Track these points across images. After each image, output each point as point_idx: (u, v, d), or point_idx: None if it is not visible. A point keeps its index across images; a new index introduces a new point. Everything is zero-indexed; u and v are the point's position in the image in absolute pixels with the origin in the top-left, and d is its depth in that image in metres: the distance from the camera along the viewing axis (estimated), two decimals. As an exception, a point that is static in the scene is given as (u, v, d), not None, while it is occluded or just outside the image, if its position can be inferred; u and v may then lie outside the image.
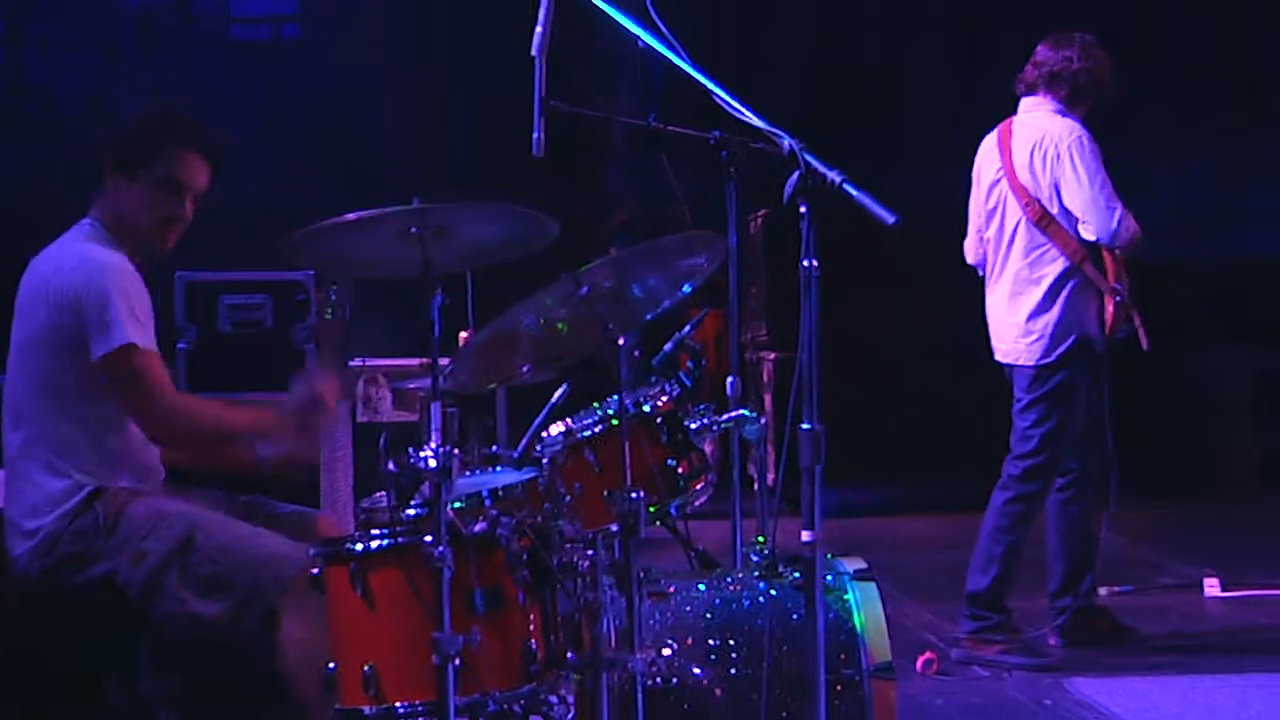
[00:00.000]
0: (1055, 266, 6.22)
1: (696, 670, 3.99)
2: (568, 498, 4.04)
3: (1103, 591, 7.00)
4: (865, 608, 4.07)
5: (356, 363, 6.48)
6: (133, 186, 4.43)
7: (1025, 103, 6.42)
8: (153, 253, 4.52)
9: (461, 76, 11.75)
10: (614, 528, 3.81)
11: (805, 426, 3.46)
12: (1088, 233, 6.16)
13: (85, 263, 4.32)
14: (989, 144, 6.46)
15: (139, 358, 4.25)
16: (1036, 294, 6.24)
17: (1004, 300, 6.36)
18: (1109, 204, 6.14)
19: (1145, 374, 10.19)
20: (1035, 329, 6.24)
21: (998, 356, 6.41)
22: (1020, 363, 6.29)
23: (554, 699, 3.83)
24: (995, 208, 6.37)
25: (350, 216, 3.56)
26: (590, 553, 3.84)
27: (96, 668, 4.43)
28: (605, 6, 4.03)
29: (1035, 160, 6.24)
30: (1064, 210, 6.20)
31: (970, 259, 6.55)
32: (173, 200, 4.44)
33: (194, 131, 4.50)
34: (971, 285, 6.56)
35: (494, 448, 4.48)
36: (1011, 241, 6.31)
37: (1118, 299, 6.18)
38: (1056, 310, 6.21)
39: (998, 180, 6.36)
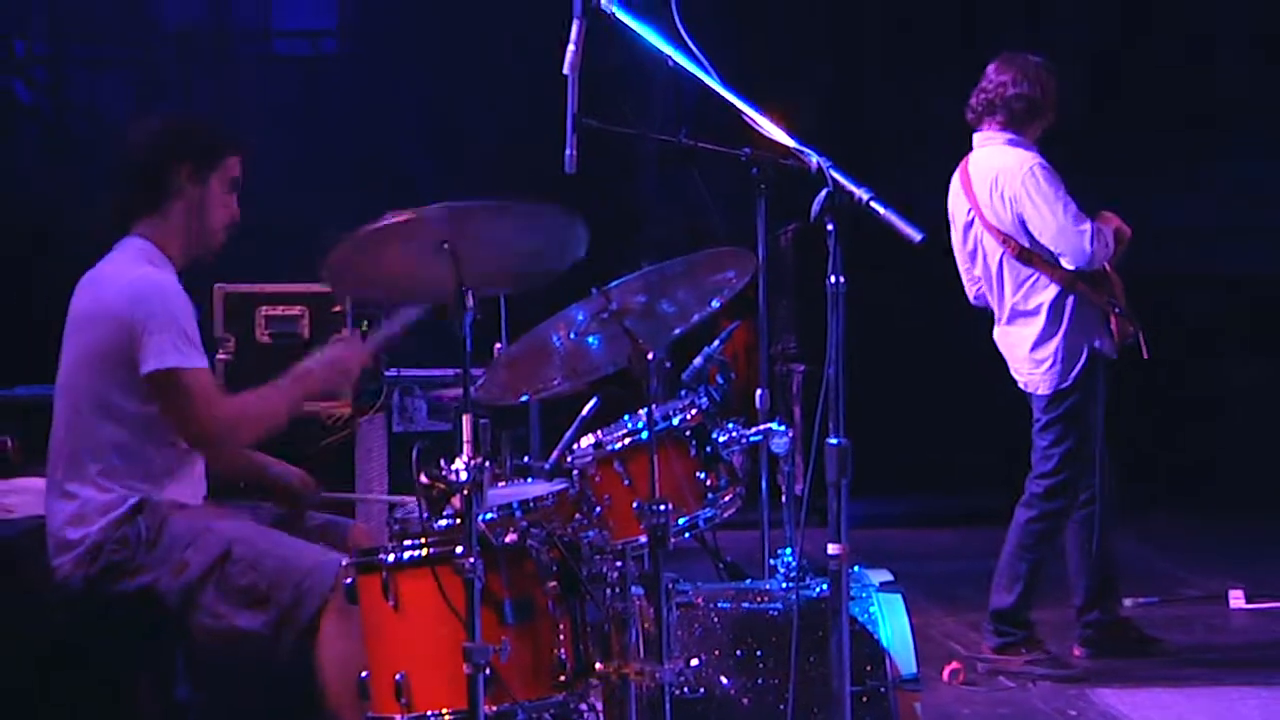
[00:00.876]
0: (1048, 293, 6.15)
1: (724, 680, 4.04)
2: (598, 509, 4.09)
3: (1128, 603, 6.96)
4: (891, 620, 4.12)
5: (391, 373, 6.54)
6: (206, 191, 4.52)
7: (977, 137, 6.32)
8: (209, 254, 4.62)
9: (496, 91, 11.79)
10: (643, 539, 3.86)
11: (832, 441, 3.48)
12: (1066, 263, 6.08)
13: (138, 283, 4.39)
14: (955, 184, 6.37)
15: (184, 377, 4.33)
16: (1037, 323, 6.17)
17: (1008, 334, 6.30)
18: (1077, 227, 6.04)
19: (1171, 385, 10.28)
20: (1044, 357, 6.18)
21: (1019, 384, 6.35)
22: (1040, 392, 6.24)
23: (584, 708, 3.88)
24: (975, 248, 6.30)
25: (376, 224, 3.65)
26: (619, 564, 3.89)
27: (134, 675, 4.49)
28: (635, 24, 4.06)
29: (995, 201, 6.16)
30: (1039, 242, 6.14)
31: (971, 300, 6.46)
32: (234, 199, 4.59)
33: (238, 133, 4.65)
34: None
35: (526, 459, 4.54)
36: (1000, 278, 6.24)
37: (1117, 311, 6.13)
38: (1061, 334, 6.14)
39: (971, 222, 6.28)
